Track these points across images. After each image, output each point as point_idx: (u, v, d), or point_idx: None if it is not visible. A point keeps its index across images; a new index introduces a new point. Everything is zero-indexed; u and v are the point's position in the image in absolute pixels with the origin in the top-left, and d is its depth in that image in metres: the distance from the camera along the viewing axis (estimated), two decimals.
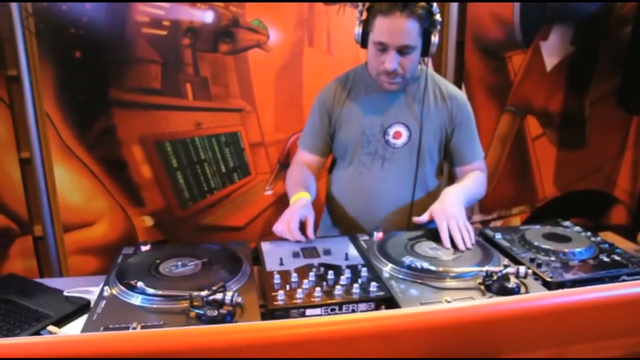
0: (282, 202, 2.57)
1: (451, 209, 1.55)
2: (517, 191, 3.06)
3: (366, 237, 1.55)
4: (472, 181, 1.74)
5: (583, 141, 3.09)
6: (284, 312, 1.15)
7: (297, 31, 2.48)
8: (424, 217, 1.55)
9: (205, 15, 2.34)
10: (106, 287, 1.20)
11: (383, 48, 1.57)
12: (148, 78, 2.34)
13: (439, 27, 1.58)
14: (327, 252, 1.42)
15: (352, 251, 1.44)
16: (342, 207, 1.82)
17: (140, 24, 2.27)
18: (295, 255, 1.40)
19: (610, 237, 1.65)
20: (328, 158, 1.87)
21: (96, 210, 2.42)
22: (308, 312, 1.16)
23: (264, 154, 2.59)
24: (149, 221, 2.48)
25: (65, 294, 1.31)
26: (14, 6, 2.12)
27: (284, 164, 2.59)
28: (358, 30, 1.61)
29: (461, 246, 1.46)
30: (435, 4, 1.55)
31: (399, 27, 1.52)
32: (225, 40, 2.40)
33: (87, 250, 2.44)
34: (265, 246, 1.47)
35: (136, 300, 1.15)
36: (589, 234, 1.60)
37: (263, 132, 2.56)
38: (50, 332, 1.18)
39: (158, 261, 1.31)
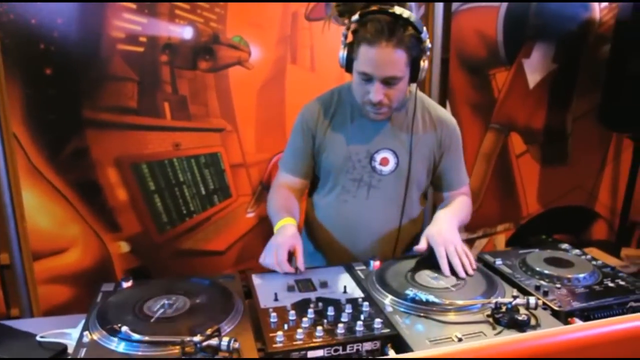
0: (264, 225, 2.48)
1: (447, 233, 1.48)
2: (502, 208, 3.04)
3: (362, 267, 1.47)
4: (461, 206, 1.68)
5: (565, 158, 3.09)
6: (284, 355, 1.05)
7: (280, 48, 2.41)
8: (423, 245, 1.47)
9: (184, 32, 2.25)
10: (86, 332, 1.08)
11: (367, 78, 1.47)
12: (124, 97, 2.22)
13: (428, 53, 1.47)
14: (323, 285, 1.33)
15: (350, 283, 1.36)
16: (324, 233, 1.73)
17: (116, 40, 2.17)
18: (290, 289, 1.31)
19: (595, 253, 1.64)
20: (310, 180, 1.76)
21: (68, 236, 2.28)
22: (310, 354, 1.07)
23: (245, 175, 2.50)
24: (124, 247, 2.35)
25: (38, 339, 1.19)
26: None
27: (266, 185, 2.50)
28: (342, 54, 1.50)
29: (462, 273, 1.39)
30: (425, 30, 1.44)
31: (385, 58, 1.41)
32: (205, 58, 2.31)
33: (58, 279, 2.29)
34: (257, 280, 1.38)
35: (120, 346, 1.05)
36: (589, 257, 1.56)
37: (244, 152, 2.46)
38: None
39: (142, 300, 1.20)
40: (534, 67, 2.85)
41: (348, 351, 1.10)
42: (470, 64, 2.73)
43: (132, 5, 2.14)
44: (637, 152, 2.86)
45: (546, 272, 1.42)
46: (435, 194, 1.81)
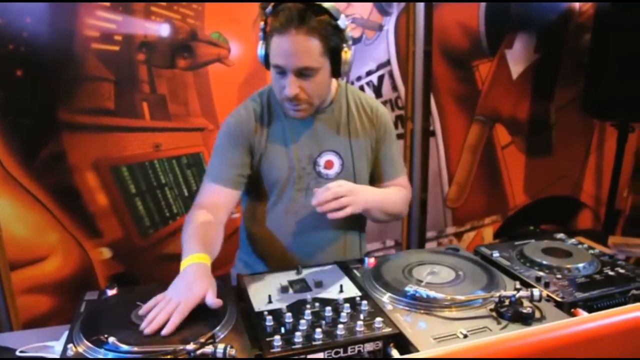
0: None
1: (352, 186, 1.38)
2: (489, 201, 3.02)
3: (357, 265, 1.42)
4: (389, 192, 1.59)
5: (549, 148, 3.09)
6: None
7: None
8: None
9: (161, 29, 2.18)
10: (70, 345, 1.01)
11: (281, 71, 1.35)
12: (100, 98, 2.14)
13: (350, 42, 1.36)
14: (318, 285, 1.28)
15: (346, 282, 1.31)
16: (271, 245, 1.59)
17: (90, 39, 2.08)
18: (284, 290, 1.25)
19: (583, 242, 1.60)
20: (241, 192, 1.55)
21: (47, 244, 2.19)
22: (310, 357, 1.02)
23: None
24: (106, 253, 2.27)
25: (18, 353, 1.12)
26: None
27: None
28: (260, 49, 1.37)
29: (318, 201, 1.30)
30: (342, 16, 1.33)
31: (295, 47, 1.30)
32: (183, 55, 2.24)
33: (38, 288, 2.20)
34: (248, 281, 1.32)
35: (107, 359, 0.98)
36: (585, 246, 1.54)
37: None
38: None
39: (129, 308, 1.14)
40: (517, 58, 2.84)
41: (349, 353, 1.05)
42: (453, 56, 2.71)
43: (106, 3, 2.06)
44: (621, 139, 2.87)
45: (545, 262, 1.38)
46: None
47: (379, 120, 1.59)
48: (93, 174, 2.18)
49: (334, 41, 1.34)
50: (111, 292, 1.24)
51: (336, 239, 1.61)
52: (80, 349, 1.01)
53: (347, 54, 1.36)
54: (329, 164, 1.53)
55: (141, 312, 1.10)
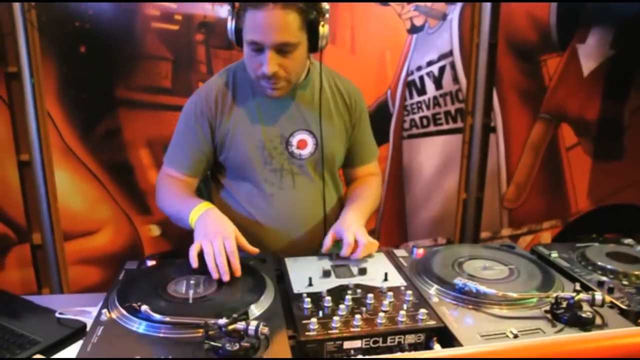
0: None
1: (353, 225, 1.37)
2: (549, 204, 2.86)
3: (404, 254, 1.36)
4: (369, 197, 1.56)
5: (621, 152, 2.89)
6: (318, 345, 0.95)
7: None
8: (328, 242, 1.36)
9: (220, 10, 2.18)
10: (104, 310, 1.00)
11: (258, 48, 1.28)
12: (158, 76, 2.17)
13: (327, 15, 1.30)
14: (362, 272, 1.22)
15: (391, 270, 1.25)
16: (248, 226, 1.49)
17: (150, 18, 2.11)
18: (326, 274, 1.20)
19: None
20: (201, 179, 1.55)
21: (99, 218, 2.24)
22: (346, 344, 0.97)
23: None
24: (155, 230, 2.30)
25: (57, 315, 1.12)
26: None
27: None
28: (230, 25, 1.31)
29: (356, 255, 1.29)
30: None
31: (273, 22, 1.24)
32: None
33: (88, 260, 2.26)
34: (290, 263, 1.28)
35: (140, 327, 0.96)
36: None
37: None
38: None
39: (166, 279, 1.12)
40: (589, 54, 2.67)
41: (389, 343, 0.99)
42: (520, 49, 2.58)
43: None
44: None
45: (610, 267, 1.27)
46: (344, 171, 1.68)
47: (352, 100, 1.54)
48: (146, 151, 2.21)
49: (311, 14, 1.28)
50: (151, 263, 1.23)
51: (315, 218, 1.53)
52: (113, 315, 1.00)
53: (324, 27, 1.31)
54: (301, 144, 1.47)
55: (194, 266, 1.18)
